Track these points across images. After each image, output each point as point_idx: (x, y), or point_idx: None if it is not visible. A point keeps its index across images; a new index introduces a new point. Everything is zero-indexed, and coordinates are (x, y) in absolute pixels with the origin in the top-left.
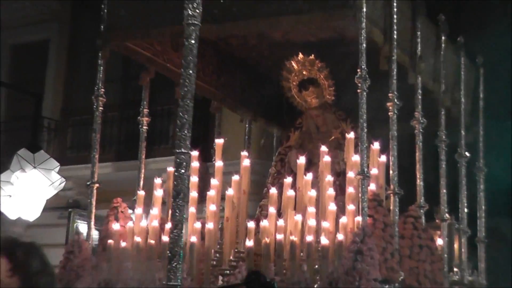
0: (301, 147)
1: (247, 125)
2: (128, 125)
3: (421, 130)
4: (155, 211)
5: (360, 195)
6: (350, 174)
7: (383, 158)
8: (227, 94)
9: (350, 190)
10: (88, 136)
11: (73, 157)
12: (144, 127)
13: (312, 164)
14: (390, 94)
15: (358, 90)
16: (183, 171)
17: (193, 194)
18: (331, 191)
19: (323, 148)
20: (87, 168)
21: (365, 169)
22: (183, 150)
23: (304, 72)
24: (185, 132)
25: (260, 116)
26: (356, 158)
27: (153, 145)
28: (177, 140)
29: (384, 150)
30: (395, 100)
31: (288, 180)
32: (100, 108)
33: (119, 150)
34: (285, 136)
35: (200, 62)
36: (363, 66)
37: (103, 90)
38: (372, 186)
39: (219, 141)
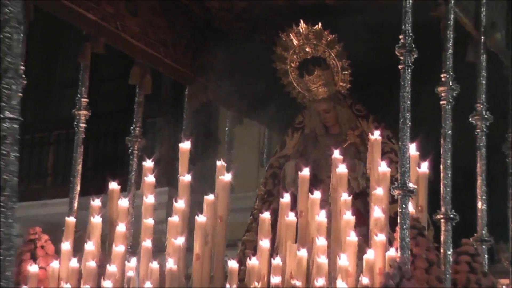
0: (302, 157)
1: (227, 128)
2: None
3: (484, 129)
4: (90, 245)
5: (399, 218)
6: (378, 191)
7: (424, 167)
8: (208, 80)
9: (377, 213)
10: (43, 161)
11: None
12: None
13: (318, 181)
14: (443, 75)
15: (400, 66)
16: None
17: (149, 221)
18: (349, 216)
19: (336, 155)
20: (44, 206)
21: (407, 181)
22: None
23: (307, 49)
24: None
25: (252, 112)
26: (384, 167)
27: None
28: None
29: (423, 156)
30: (450, 83)
31: (286, 199)
32: (83, 124)
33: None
34: (279, 142)
35: (169, 32)
36: (408, 31)
37: (86, 100)
38: (409, 208)
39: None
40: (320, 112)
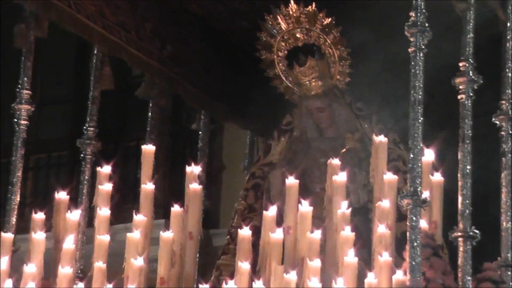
0: (290, 165)
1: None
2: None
3: (510, 131)
4: (31, 267)
5: (409, 234)
6: (383, 203)
7: (438, 176)
8: (181, 75)
9: (381, 229)
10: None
11: None
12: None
13: (309, 194)
14: (462, 64)
15: (411, 49)
16: None
17: (104, 238)
18: (347, 231)
19: (335, 161)
20: None
21: (418, 188)
22: None
23: (298, 35)
24: None
25: (232, 114)
26: (390, 175)
27: None
28: None
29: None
30: (470, 74)
31: (270, 213)
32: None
33: None
34: (263, 147)
35: (130, 15)
36: (420, 7)
37: (28, 93)
38: (422, 222)
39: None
40: (313, 110)
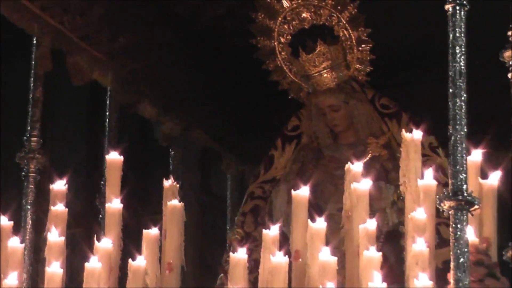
0: (298, 179)
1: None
2: None
3: None
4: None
5: (452, 247)
6: (418, 214)
7: (493, 179)
8: (132, 72)
9: (418, 246)
10: None
11: None
12: None
13: (322, 215)
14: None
15: (448, 5)
16: None
17: (55, 270)
18: (372, 252)
19: (355, 166)
20: None
21: (463, 187)
22: None
23: (304, 15)
24: None
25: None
26: (429, 179)
27: None
28: None
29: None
30: None
31: (272, 232)
32: None
33: None
34: (264, 160)
35: None
36: None
37: None
38: (470, 235)
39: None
40: (325, 110)
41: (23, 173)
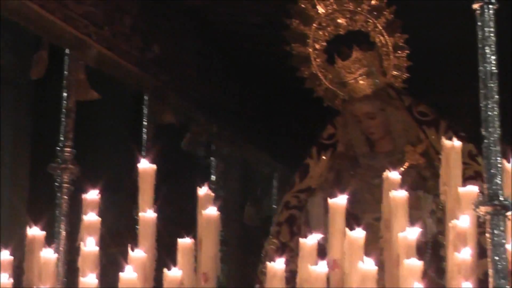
0: (334, 188)
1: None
2: None
3: None
4: None
5: (489, 254)
6: (461, 223)
7: None
8: (168, 83)
9: (461, 254)
10: None
11: None
12: None
13: (360, 225)
14: None
15: (477, 4)
16: None
17: (90, 280)
18: (414, 261)
19: (393, 174)
20: None
21: (499, 192)
22: None
23: (339, 20)
24: None
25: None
26: (469, 187)
27: None
28: None
29: None
30: None
31: (310, 241)
32: None
33: None
34: (299, 170)
35: (101, 4)
36: None
37: None
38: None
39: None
40: (361, 117)
41: (56, 183)
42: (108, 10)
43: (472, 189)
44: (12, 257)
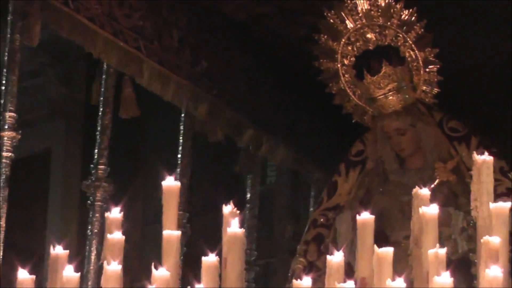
0: (363, 206)
1: None
2: None
3: None
4: None
5: None
6: (493, 239)
7: None
8: (218, 96)
9: (492, 272)
10: None
11: None
12: None
13: (388, 244)
14: None
15: None
16: None
17: None
18: (445, 278)
19: (423, 191)
20: None
21: None
22: None
23: (368, 35)
24: None
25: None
26: (501, 204)
27: None
28: None
29: None
30: None
31: (336, 258)
32: None
33: None
34: (327, 187)
35: (150, 17)
36: None
37: None
38: None
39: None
40: (391, 133)
41: (89, 201)
42: (157, 24)
43: (504, 206)
44: (32, 277)
